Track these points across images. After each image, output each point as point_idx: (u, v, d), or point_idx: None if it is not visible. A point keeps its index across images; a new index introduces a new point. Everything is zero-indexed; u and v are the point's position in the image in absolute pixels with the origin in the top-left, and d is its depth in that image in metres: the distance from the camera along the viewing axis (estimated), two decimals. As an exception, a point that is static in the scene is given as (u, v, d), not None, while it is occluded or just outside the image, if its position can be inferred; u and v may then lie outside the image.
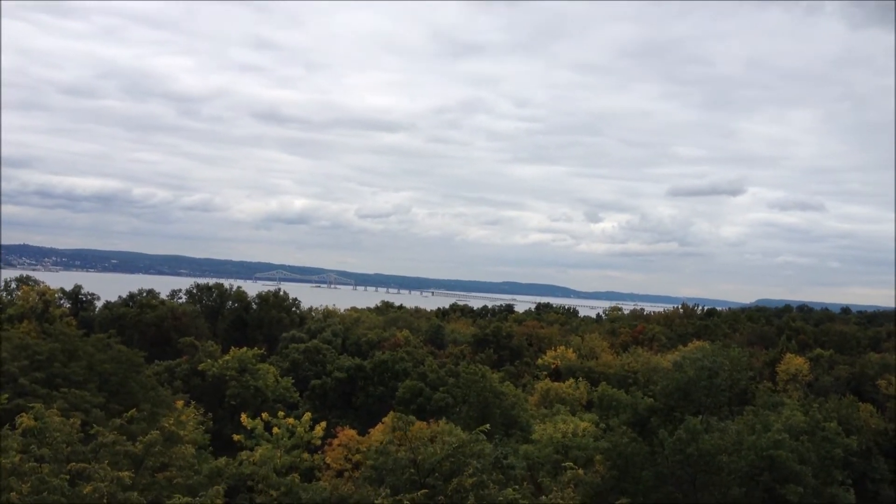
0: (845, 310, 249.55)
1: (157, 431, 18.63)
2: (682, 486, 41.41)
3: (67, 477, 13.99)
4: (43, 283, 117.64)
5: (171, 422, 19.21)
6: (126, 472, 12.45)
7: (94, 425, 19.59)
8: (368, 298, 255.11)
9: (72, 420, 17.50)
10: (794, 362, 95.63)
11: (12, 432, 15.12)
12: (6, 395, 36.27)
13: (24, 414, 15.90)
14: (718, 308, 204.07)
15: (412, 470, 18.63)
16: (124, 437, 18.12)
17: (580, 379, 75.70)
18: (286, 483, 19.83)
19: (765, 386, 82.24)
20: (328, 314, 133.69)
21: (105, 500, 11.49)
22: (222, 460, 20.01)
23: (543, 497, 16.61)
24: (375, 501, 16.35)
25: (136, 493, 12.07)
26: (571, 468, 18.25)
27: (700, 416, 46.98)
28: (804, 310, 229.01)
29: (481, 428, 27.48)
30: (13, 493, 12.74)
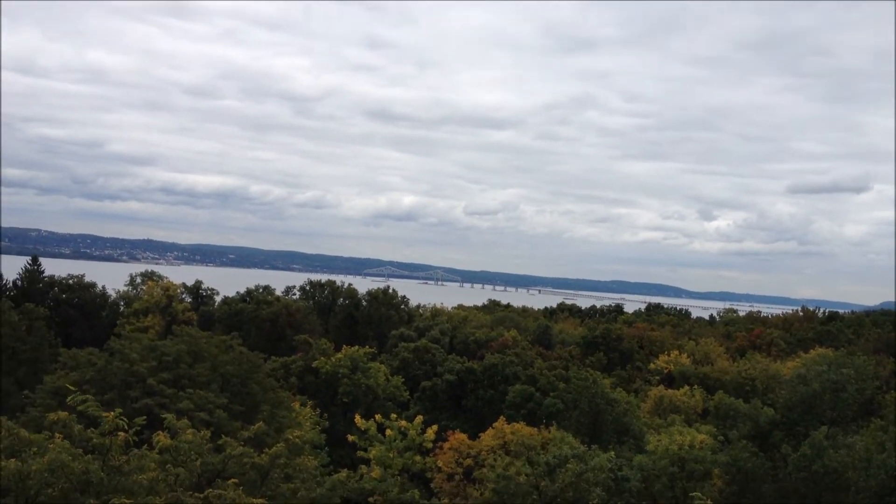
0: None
1: (283, 443, 19.03)
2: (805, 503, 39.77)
3: (202, 496, 14.45)
4: (166, 277, 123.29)
5: (296, 434, 19.61)
6: (260, 500, 12.75)
7: (224, 436, 20.15)
8: (475, 296, 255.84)
9: (202, 433, 18.04)
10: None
11: (150, 451, 15.74)
12: (136, 394, 38.02)
13: (160, 433, 16.49)
14: (840, 311, 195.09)
15: (535, 497, 18.41)
16: (252, 450, 18.59)
17: (695, 386, 73.62)
18: (407, 500, 20.05)
19: (892, 396, 77.91)
20: (436, 312, 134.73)
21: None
22: (343, 473, 20.31)
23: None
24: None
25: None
26: (700, 499, 17.59)
27: (826, 430, 44.96)
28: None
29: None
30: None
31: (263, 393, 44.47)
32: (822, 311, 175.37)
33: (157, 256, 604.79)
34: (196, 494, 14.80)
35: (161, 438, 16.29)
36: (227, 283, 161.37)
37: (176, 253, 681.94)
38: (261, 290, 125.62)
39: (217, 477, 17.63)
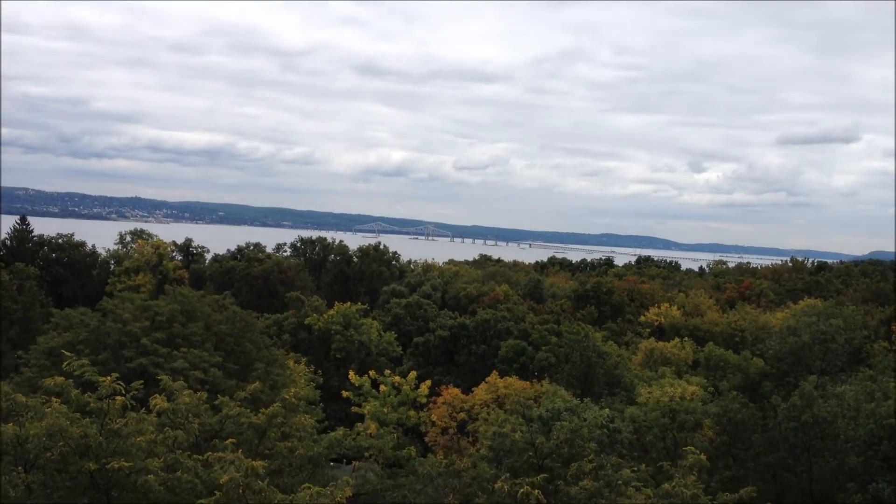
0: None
1: (279, 403, 19.16)
2: (794, 453, 40.34)
3: (201, 458, 14.56)
4: (156, 236, 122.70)
5: (292, 393, 19.74)
6: (260, 462, 12.85)
7: (219, 394, 20.28)
8: (466, 251, 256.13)
9: (199, 394, 18.13)
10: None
11: (147, 415, 15.82)
12: (130, 354, 38.10)
13: (157, 396, 16.56)
14: (829, 261, 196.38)
15: (531, 453, 18.64)
16: (248, 410, 18.72)
17: (685, 338, 74.23)
18: (403, 456, 20.27)
19: (880, 346, 78.82)
20: (427, 268, 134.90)
21: (241, 491, 11.91)
22: (340, 431, 20.51)
23: (666, 485, 16.32)
24: (496, 485, 16.43)
25: (266, 482, 12.45)
26: (693, 453, 17.85)
27: (815, 380, 45.53)
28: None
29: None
30: (150, 476, 13.33)
31: (257, 351, 44.67)
32: (811, 261, 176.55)
33: (146, 214, 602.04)
34: (195, 456, 14.90)
35: (158, 401, 16.38)
36: (218, 240, 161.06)
37: (165, 210, 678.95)
38: (251, 248, 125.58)
39: (214, 437, 17.76)
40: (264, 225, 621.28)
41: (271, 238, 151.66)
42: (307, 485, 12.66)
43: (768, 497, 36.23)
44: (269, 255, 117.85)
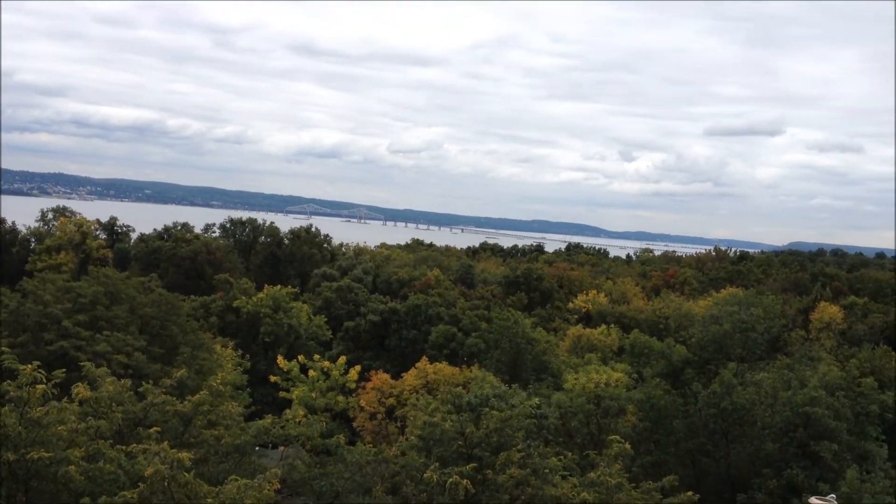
0: (880, 254, 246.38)
1: (206, 391, 18.90)
2: (713, 439, 41.53)
3: (125, 448, 14.27)
4: (79, 213, 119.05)
5: (219, 379, 19.48)
6: (186, 454, 12.64)
7: (143, 378, 19.89)
8: (399, 234, 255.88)
9: (123, 381, 17.73)
10: (828, 311, 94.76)
11: (69, 404, 15.40)
12: (51, 337, 37.03)
13: (79, 384, 16.13)
14: (751, 251, 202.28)
15: (460, 442, 18.80)
16: (174, 398, 18.42)
17: (612, 325, 75.69)
18: (332, 444, 20.24)
19: (798, 334, 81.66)
20: (359, 251, 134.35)
21: (166, 483, 11.71)
22: (268, 420, 20.34)
23: (592, 473, 16.68)
24: (425, 474, 16.54)
25: (192, 473, 12.26)
26: (618, 442, 18.31)
27: (735, 367, 46.93)
28: (838, 254, 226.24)
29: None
30: (71, 467, 13.02)
31: (183, 335, 43.88)
32: (733, 251, 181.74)
33: (69, 191, 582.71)
34: (118, 446, 14.60)
35: (81, 390, 15.97)
36: (144, 219, 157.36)
37: (89, 187, 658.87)
38: (179, 228, 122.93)
39: (138, 425, 17.42)
40: (193, 204, 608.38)
41: (200, 218, 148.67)
42: (234, 477, 12.53)
43: (687, 482, 37.26)
44: (197, 236, 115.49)
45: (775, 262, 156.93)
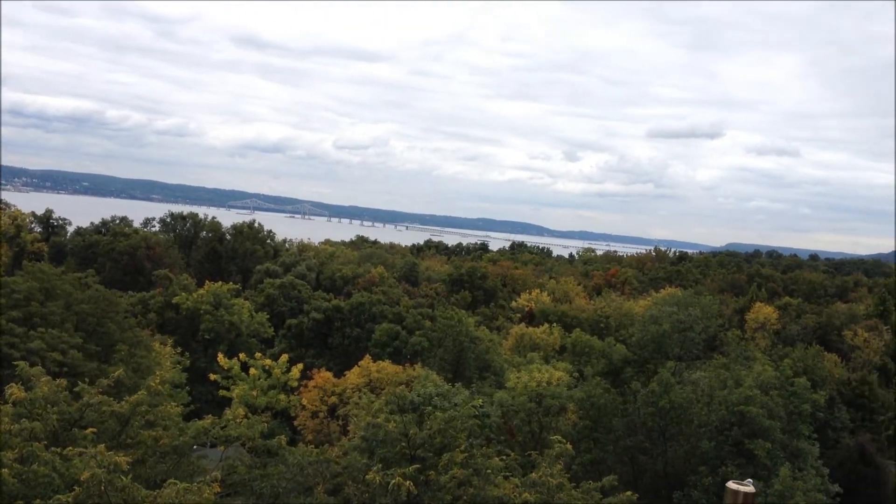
0: (813, 256, 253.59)
1: (144, 391, 18.56)
2: (651, 437, 42.23)
3: (60, 450, 13.93)
4: (14, 206, 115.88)
5: (157, 379, 19.16)
6: (123, 457, 12.40)
7: (79, 376, 19.45)
8: (343, 231, 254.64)
9: (59, 381, 17.32)
10: (763, 311, 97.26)
11: (3, 405, 14.98)
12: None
13: (13, 385, 15.71)
14: (690, 252, 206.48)
15: (403, 444, 18.79)
16: (111, 398, 18.06)
17: (554, 324, 76.41)
18: (273, 444, 20.06)
19: (734, 334, 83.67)
20: (303, 248, 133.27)
21: (102, 488, 11.48)
22: (208, 420, 20.06)
23: (534, 474, 16.86)
24: (367, 476, 16.52)
25: (129, 477, 12.04)
26: (559, 442, 18.54)
27: (673, 366, 47.84)
28: (773, 255, 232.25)
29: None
30: (4, 470, 12.68)
31: (121, 332, 42.96)
32: (673, 251, 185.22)
33: (3, 183, 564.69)
34: (54, 449, 14.25)
35: (14, 391, 15.55)
36: (81, 212, 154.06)
37: (25, 179, 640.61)
38: (117, 221, 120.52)
39: (74, 426, 17.03)
40: (132, 198, 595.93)
41: (139, 212, 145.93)
42: (173, 480, 12.34)
43: (626, 479, 37.88)
44: (136, 230, 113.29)
45: (713, 263, 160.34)
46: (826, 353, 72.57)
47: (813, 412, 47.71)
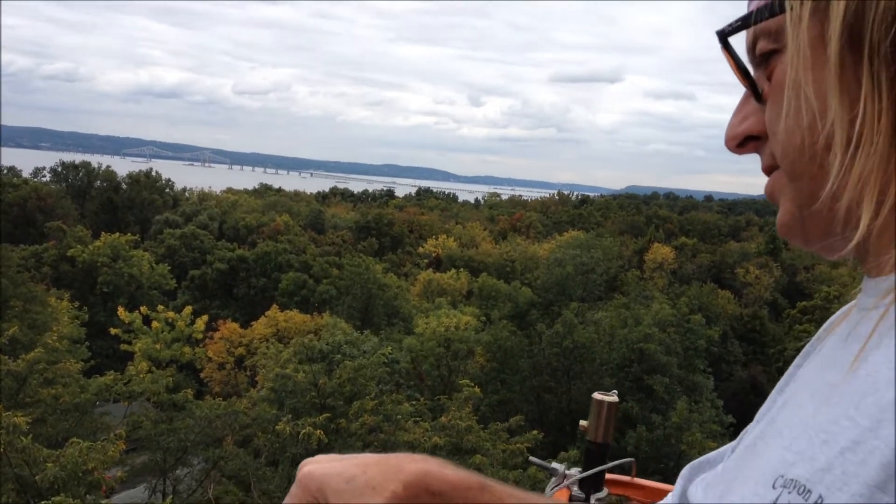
0: (708, 197, 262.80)
1: (41, 348, 17.97)
2: (556, 376, 43.61)
3: (-48, 413, 13.39)
4: None
5: (55, 335, 18.55)
6: (21, 418, 11.99)
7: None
8: (245, 179, 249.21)
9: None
10: (661, 252, 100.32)
11: None
12: None
13: None
14: (591, 195, 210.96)
15: (313, 393, 18.82)
16: (5, 357, 17.41)
17: (461, 269, 77.07)
18: (180, 399, 19.78)
19: (633, 274, 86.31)
20: (204, 197, 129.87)
21: (1, 449, 11.11)
22: (110, 376, 19.58)
23: (443, 417, 17.21)
24: (277, 426, 16.52)
25: (30, 437, 11.68)
26: (468, 386, 18.95)
27: (576, 308, 49.25)
28: (670, 197, 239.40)
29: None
30: None
31: (13, 287, 41.27)
32: (575, 195, 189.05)
33: None
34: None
35: None
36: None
37: None
38: (5, 172, 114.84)
39: (-33, 388, 16.41)
40: (20, 146, 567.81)
41: (28, 161, 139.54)
42: (75, 439, 12.05)
43: (532, 418, 39.03)
44: (25, 181, 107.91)
45: (613, 206, 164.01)
46: (720, 290, 75.56)
47: (708, 347, 50.06)
